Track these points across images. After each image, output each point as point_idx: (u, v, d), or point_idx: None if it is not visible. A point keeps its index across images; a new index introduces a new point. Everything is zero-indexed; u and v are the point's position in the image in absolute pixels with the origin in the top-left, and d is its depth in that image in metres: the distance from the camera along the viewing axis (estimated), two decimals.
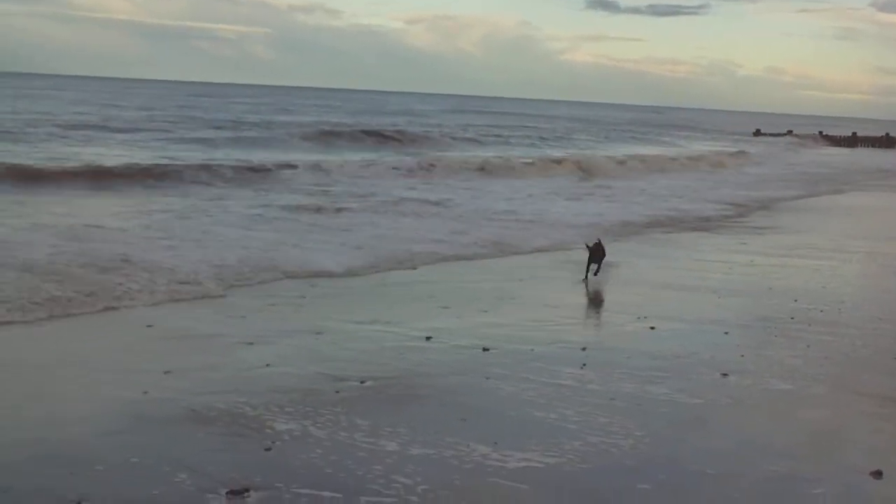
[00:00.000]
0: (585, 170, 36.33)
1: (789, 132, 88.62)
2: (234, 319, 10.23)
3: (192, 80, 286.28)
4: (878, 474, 6.25)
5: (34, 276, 11.19)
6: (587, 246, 13.30)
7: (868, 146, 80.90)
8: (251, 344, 9.14)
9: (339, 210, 19.74)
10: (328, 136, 43.13)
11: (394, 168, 30.70)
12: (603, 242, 13.49)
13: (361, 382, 7.94)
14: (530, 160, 38.19)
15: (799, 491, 6.00)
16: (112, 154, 29.97)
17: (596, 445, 6.65)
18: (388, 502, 5.62)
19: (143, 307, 10.61)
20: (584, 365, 8.77)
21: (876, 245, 18.24)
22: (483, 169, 33.01)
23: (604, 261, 13.21)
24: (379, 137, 44.62)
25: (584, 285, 12.90)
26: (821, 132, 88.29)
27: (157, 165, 25.79)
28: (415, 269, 13.70)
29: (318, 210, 19.54)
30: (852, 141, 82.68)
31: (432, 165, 31.78)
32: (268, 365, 8.40)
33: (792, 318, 11.03)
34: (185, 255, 13.25)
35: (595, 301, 12.27)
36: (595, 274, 13.11)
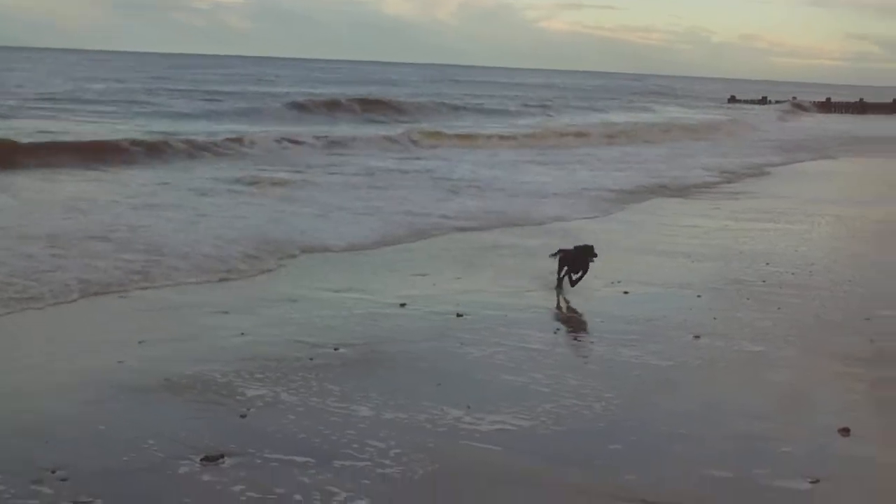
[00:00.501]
0: (565, 138, 36.27)
1: (763, 98, 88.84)
2: (208, 288, 10.23)
3: (167, 51, 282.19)
4: (845, 431, 6.35)
5: (60, 252, 11.11)
6: (560, 251, 10.79)
7: (842, 112, 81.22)
8: (226, 313, 9.15)
9: (322, 183, 19.52)
10: (307, 107, 42.73)
11: (375, 138, 30.50)
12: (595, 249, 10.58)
13: (335, 349, 7.97)
14: (510, 129, 38.17)
15: (769, 450, 6.07)
16: (87, 127, 29.69)
17: (568, 408, 6.71)
18: (362, 465, 5.67)
19: (193, 286, 10.37)
20: (558, 330, 8.85)
21: (847, 209, 18.37)
22: (465, 138, 32.98)
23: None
24: (359, 107, 44.21)
25: (556, 292, 10.62)
26: (794, 98, 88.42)
27: (136, 140, 25.17)
28: (418, 241, 13.51)
29: (300, 183, 19.30)
30: (826, 106, 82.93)
31: (414, 135, 31.62)
32: (242, 333, 8.41)
33: (763, 282, 11.14)
34: (192, 231, 12.92)
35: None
36: (572, 284, 10.60)
